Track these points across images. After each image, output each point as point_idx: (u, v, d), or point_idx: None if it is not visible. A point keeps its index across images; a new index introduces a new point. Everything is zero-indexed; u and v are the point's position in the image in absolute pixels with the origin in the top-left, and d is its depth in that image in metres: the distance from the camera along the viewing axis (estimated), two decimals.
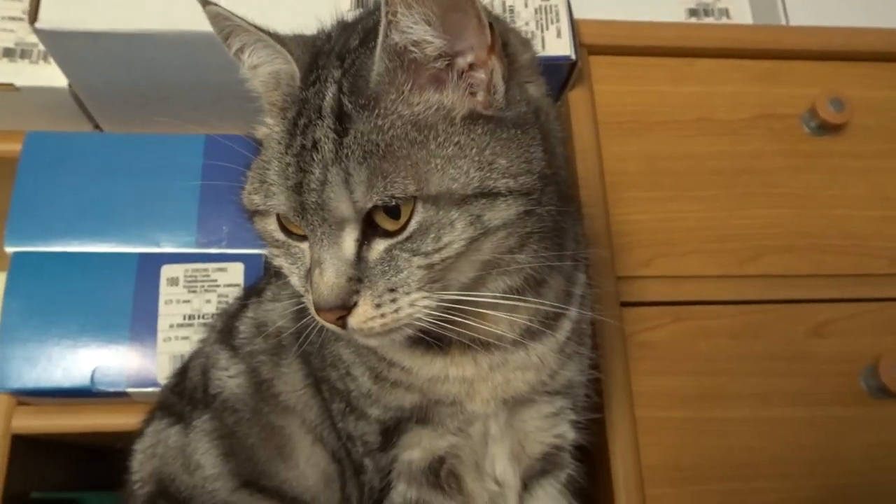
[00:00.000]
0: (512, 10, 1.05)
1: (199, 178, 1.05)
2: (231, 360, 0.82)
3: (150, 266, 1.00)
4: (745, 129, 1.11)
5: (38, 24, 0.90)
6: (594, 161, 1.06)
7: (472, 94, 0.58)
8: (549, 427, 0.79)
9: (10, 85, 1.02)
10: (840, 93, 1.09)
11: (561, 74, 1.06)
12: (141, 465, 0.83)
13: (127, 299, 0.98)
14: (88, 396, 0.95)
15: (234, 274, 1.00)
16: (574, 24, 1.05)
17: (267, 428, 0.78)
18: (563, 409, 0.79)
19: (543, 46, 1.03)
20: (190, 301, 0.98)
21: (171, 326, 0.97)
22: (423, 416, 0.73)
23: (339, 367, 0.75)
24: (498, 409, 0.74)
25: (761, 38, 1.16)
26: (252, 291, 0.88)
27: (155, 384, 0.94)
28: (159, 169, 1.05)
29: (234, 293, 0.98)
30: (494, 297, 0.63)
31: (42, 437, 1.00)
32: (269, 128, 0.63)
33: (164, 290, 0.99)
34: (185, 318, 0.98)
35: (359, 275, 0.57)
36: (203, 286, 0.99)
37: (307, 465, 0.78)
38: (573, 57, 1.03)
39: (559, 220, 0.65)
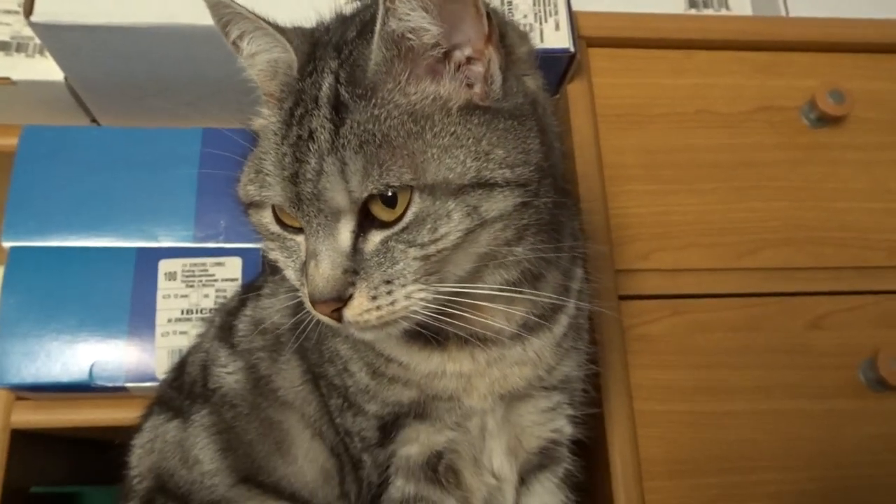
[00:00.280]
0: (510, 3, 1.04)
1: (196, 172, 1.04)
2: (230, 358, 0.82)
3: (147, 260, 1.00)
4: (744, 122, 1.11)
5: (33, 18, 0.90)
6: (593, 154, 1.06)
7: (469, 85, 0.58)
8: (546, 422, 0.79)
9: (7, 79, 1.01)
10: (840, 85, 1.08)
11: (559, 67, 1.06)
12: (139, 459, 0.83)
13: (125, 294, 0.98)
14: (87, 391, 0.95)
15: (232, 268, 1.00)
16: (573, 17, 1.05)
17: (266, 423, 0.78)
18: (560, 404, 0.79)
19: (542, 39, 1.02)
20: (188, 296, 0.98)
21: (170, 321, 0.97)
22: (420, 411, 0.73)
23: (337, 363, 0.75)
24: (495, 405, 0.74)
25: (761, 30, 1.15)
26: (250, 288, 0.88)
27: (153, 379, 0.94)
28: (157, 163, 1.05)
29: (231, 288, 0.98)
30: (491, 290, 0.62)
31: (41, 432, 1.00)
32: (266, 118, 0.62)
33: (162, 285, 0.99)
34: (183, 313, 0.97)
35: (355, 267, 0.56)
36: (201, 281, 0.99)
37: (306, 460, 0.78)
38: (572, 49, 1.03)
39: (556, 214, 0.65)
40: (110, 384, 0.94)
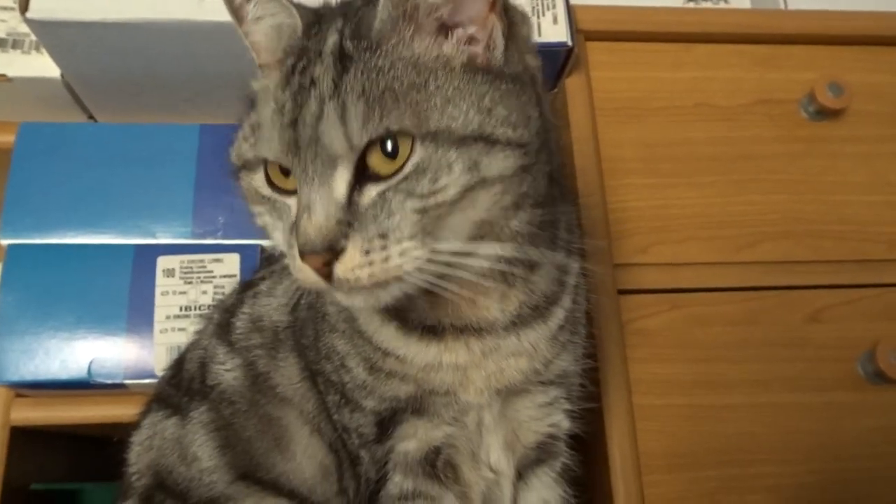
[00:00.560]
0: None
1: (194, 168, 1.04)
2: (228, 355, 0.81)
3: (146, 257, 0.99)
4: (743, 115, 1.10)
5: (29, 14, 0.89)
6: (591, 148, 1.05)
7: (472, 48, 0.59)
8: (543, 416, 0.79)
9: (3, 76, 1.01)
10: (839, 77, 1.08)
11: (557, 61, 1.06)
12: (138, 457, 0.83)
13: (123, 291, 0.98)
14: (86, 388, 0.95)
15: (231, 265, 1.00)
16: (570, 10, 1.04)
17: (264, 419, 0.78)
18: (557, 399, 0.79)
19: (539, 33, 1.02)
20: (186, 292, 0.98)
21: (168, 318, 0.97)
22: (417, 406, 0.73)
23: (334, 359, 0.75)
24: (492, 399, 0.74)
25: (760, 23, 1.15)
26: (248, 286, 0.87)
27: (152, 375, 0.94)
28: (154, 159, 1.05)
29: (230, 284, 0.98)
30: (487, 258, 0.61)
31: (40, 429, 1.01)
32: (266, 79, 0.62)
33: (161, 282, 0.99)
34: (181, 310, 0.98)
35: (349, 219, 0.55)
36: (199, 277, 0.99)
37: (304, 456, 0.78)
38: (570, 43, 1.02)
39: (553, 210, 0.65)
40: (109, 381, 0.94)
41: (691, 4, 1.21)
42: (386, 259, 0.55)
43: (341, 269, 0.55)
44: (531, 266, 0.68)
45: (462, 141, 0.55)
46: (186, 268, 0.99)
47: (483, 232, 0.60)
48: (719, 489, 0.92)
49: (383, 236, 0.55)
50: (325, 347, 0.76)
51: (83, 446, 1.17)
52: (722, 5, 1.22)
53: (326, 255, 0.54)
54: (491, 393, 0.73)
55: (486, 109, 0.56)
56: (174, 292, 0.98)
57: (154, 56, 0.98)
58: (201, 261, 1.00)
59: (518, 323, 0.70)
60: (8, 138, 1.04)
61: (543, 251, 0.67)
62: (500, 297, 0.68)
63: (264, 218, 0.63)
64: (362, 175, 0.55)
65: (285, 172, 0.59)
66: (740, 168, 1.07)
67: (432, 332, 0.69)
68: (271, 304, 0.82)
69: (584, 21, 1.09)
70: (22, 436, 0.98)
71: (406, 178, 0.54)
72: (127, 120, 1.09)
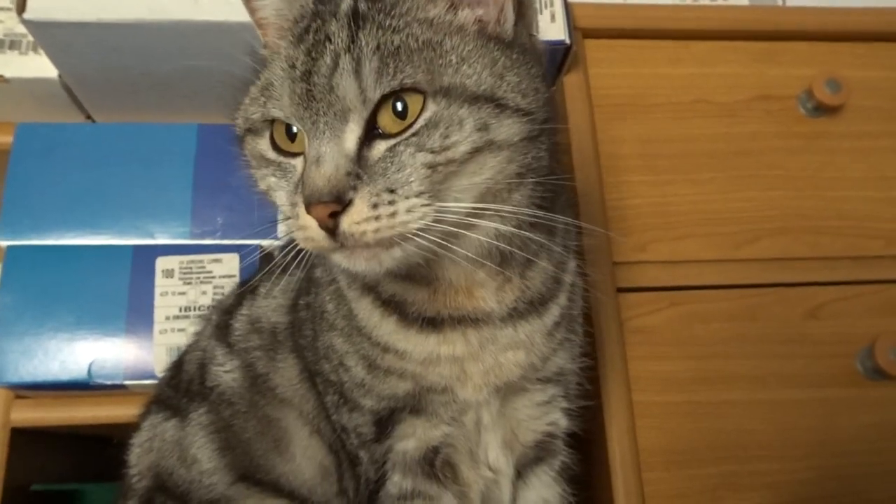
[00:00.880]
0: None
1: (192, 168, 1.04)
2: (227, 356, 0.82)
3: (145, 258, 1.00)
4: (741, 111, 1.10)
5: (26, 15, 0.89)
6: (590, 145, 1.05)
7: (484, 19, 0.60)
8: (542, 415, 0.80)
9: (0, 76, 1.01)
10: (837, 74, 1.08)
11: (556, 59, 1.05)
12: (138, 458, 0.83)
13: (122, 292, 0.98)
14: (86, 389, 0.96)
15: (230, 265, 1.00)
16: (568, 8, 1.05)
17: (264, 421, 0.79)
18: (554, 398, 0.80)
19: (537, 31, 1.01)
20: (185, 293, 0.98)
21: (168, 318, 0.97)
22: (416, 405, 0.73)
23: (332, 359, 0.75)
24: (490, 398, 0.74)
25: (758, 19, 1.15)
26: (246, 287, 0.87)
27: (152, 376, 0.94)
28: (152, 159, 1.05)
29: (229, 284, 0.98)
30: (488, 235, 0.62)
31: (41, 430, 1.01)
32: (277, 43, 0.62)
33: (160, 282, 0.99)
34: (181, 310, 0.98)
35: (357, 171, 0.55)
36: (198, 278, 0.99)
37: (304, 457, 0.78)
38: (567, 41, 1.02)
39: (551, 207, 0.65)
40: (109, 382, 0.95)
41: (689, 1, 1.20)
42: (393, 214, 0.54)
43: (347, 221, 0.54)
44: (528, 261, 0.68)
45: (474, 99, 0.56)
46: (186, 268, 0.99)
47: (487, 201, 0.59)
48: (718, 485, 0.93)
49: (391, 191, 0.55)
50: (323, 347, 0.76)
51: (83, 447, 1.18)
52: (720, 2, 1.21)
53: (333, 205, 0.54)
54: (489, 390, 0.73)
55: (499, 74, 0.57)
56: (173, 293, 0.98)
57: (150, 55, 0.98)
58: (200, 261, 1.00)
59: (514, 315, 0.71)
60: (5, 139, 1.04)
61: (541, 239, 0.67)
62: (497, 288, 0.69)
63: (268, 180, 0.62)
64: (371, 133, 0.56)
65: (291, 137, 0.59)
66: (739, 164, 1.07)
67: (431, 324, 0.69)
68: (270, 305, 0.82)
69: (581, 18, 1.09)
70: (22, 436, 0.98)
71: (417, 132, 0.55)
72: (125, 120, 1.09)
